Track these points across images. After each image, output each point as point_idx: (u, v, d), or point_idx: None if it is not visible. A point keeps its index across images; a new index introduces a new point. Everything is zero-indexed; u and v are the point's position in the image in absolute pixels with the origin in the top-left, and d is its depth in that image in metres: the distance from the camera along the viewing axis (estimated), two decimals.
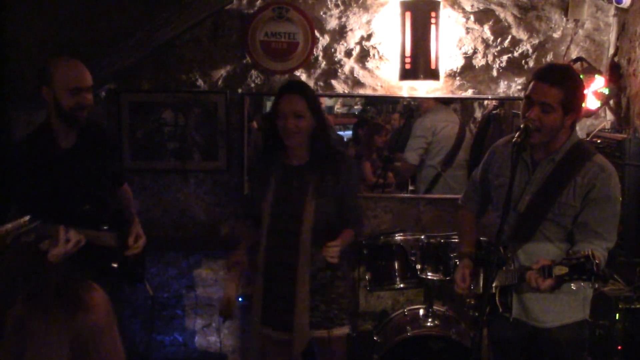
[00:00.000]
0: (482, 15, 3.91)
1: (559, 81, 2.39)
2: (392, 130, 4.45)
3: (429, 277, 3.47)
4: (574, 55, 3.86)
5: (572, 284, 2.31)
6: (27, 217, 2.44)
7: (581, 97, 2.52)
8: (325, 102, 4.51)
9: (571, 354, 2.59)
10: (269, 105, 4.37)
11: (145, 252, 3.10)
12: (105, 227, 2.84)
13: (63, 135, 2.80)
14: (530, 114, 2.40)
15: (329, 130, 3.03)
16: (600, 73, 3.73)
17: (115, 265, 2.84)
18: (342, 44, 3.94)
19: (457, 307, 3.97)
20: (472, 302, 2.70)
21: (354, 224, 2.90)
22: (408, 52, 3.76)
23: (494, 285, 2.53)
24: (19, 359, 1.30)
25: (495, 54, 3.94)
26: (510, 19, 3.91)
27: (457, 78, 3.97)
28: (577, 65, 3.71)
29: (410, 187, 4.35)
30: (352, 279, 2.99)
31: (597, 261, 2.14)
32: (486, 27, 3.92)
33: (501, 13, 3.91)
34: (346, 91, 3.99)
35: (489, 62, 3.95)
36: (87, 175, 2.84)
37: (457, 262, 2.80)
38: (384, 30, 3.90)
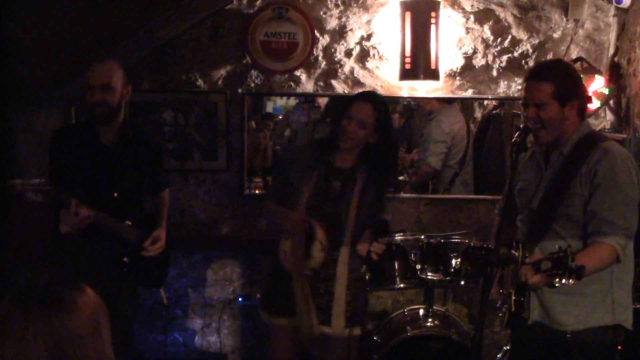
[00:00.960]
0: (482, 15, 3.91)
1: (546, 75, 2.37)
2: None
3: (429, 277, 3.46)
4: (574, 55, 3.86)
5: (561, 280, 2.09)
6: (41, 180, 2.60)
7: (576, 84, 2.44)
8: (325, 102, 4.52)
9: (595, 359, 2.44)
10: (269, 105, 4.39)
11: (168, 260, 3.16)
12: (128, 222, 2.91)
13: (105, 132, 2.89)
14: (528, 115, 2.39)
15: (393, 150, 3.05)
16: (600, 73, 3.73)
17: (126, 259, 2.89)
18: (342, 44, 3.94)
19: (456, 309, 3.99)
20: (499, 305, 2.60)
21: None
22: (408, 52, 3.76)
23: (510, 285, 2.47)
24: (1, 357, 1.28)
25: (495, 54, 3.94)
26: (510, 19, 3.92)
27: (457, 78, 3.97)
28: (577, 65, 3.71)
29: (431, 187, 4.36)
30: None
31: (572, 257, 2.02)
32: (486, 27, 3.92)
33: (501, 13, 3.91)
34: (346, 91, 3.98)
35: (489, 62, 3.95)
36: (123, 171, 2.92)
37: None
38: (384, 30, 3.90)
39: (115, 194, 2.89)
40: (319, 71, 3.97)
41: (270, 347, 3.16)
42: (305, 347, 2.96)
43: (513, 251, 2.48)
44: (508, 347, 3.14)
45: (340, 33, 3.93)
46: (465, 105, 4.30)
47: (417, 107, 4.40)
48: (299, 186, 2.85)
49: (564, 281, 2.03)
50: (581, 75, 3.57)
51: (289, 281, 2.85)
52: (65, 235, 2.75)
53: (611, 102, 3.87)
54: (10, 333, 1.28)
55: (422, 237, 3.55)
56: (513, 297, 2.45)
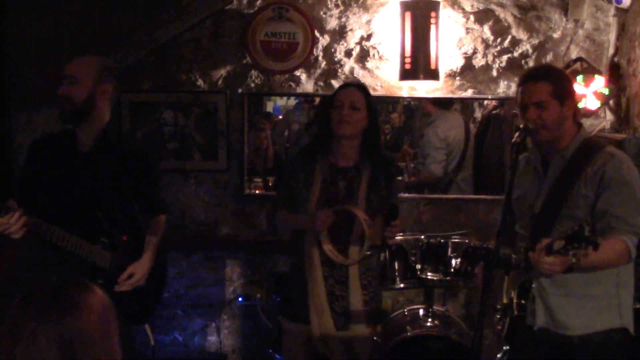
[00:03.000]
0: (482, 15, 3.91)
1: (543, 75, 2.40)
2: (392, 130, 4.45)
3: (429, 277, 3.47)
4: (574, 55, 3.86)
5: (577, 254, 2.01)
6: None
7: (570, 85, 2.48)
8: None
9: None
10: (269, 105, 4.38)
11: (158, 293, 2.92)
12: (103, 240, 2.65)
13: (82, 138, 2.66)
14: (529, 116, 2.38)
15: (380, 133, 3.03)
16: (600, 73, 3.73)
17: (100, 281, 2.59)
18: (342, 44, 3.94)
19: (455, 309, 3.99)
20: (498, 317, 2.58)
21: None
22: (408, 52, 3.76)
23: (512, 289, 2.46)
24: None
25: (495, 54, 3.94)
26: (510, 19, 3.92)
27: (457, 78, 3.97)
28: (577, 65, 3.71)
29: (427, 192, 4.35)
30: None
31: (588, 228, 1.98)
32: (486, 27, 3.92)
33: (501, 13, 3.91)
34: None
35: (489, 62, 3.95)
36: (100, 182, 2.67)
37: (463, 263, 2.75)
38: (384, 30, 3.90)
39: (97, 212, 2.63)
40: (319, 71, 3.97)
41: (284, 353, 3.10)
42: (323, 352, 2.88)
43: (514, 255, 2.48)
44: (508, 347, 3.13)
45: (340, 33, 3.93)
46: (465, 105, 4.30)
47: (417, 107, 4.39)
48: (305, 193, 2.82)
49: (579, 257, 1.98)
50: (581, 76, 3.60)
51: (305, 286, 2.82)
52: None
53: (611, 102, 3.87)
54: (22, 335, 1.28)
55: (422, 237, 3.57)
56: (515, 301, 2.45)
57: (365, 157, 2.84)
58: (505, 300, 2.57)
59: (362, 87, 2.89)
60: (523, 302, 2.45)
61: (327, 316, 2.79)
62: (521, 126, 2.40)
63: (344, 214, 2.75)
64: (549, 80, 2.37)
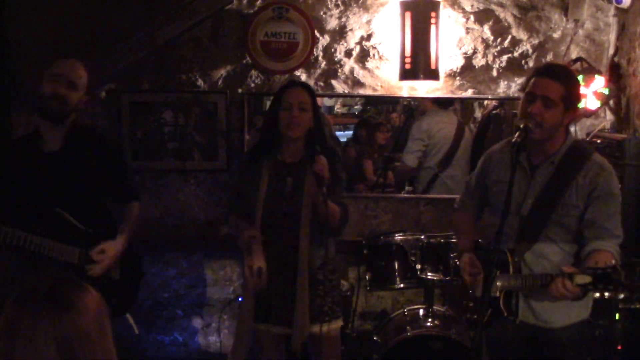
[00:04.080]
0: (482, 15, 3.91)
1: (561, 77, 2.42)
2: (393, 129, 4.45)
3: (429, 277, 3.47)
4: (574, 55, 3.86)
5: (614, 294, 2.24)
6: None
7: (579, 96, 2.54)
8: (325, 102, 4.52)
9: (574, 354, 2.58)
10: (269, 105, 4.38)
11: (134, 285, 2.96)
12: (70, 236, 2.69)
13: (50, 138, 2.71)
14: (533, 109, 2.39)
15: (325, 129, 3.04)
16: (600, 73, 3.73)
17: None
18: (342, 44, 3.94)
19: (457, 308, 3.98)
20: (471, 305, 2.66)
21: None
22: (408, 52, 3.76)
23: (498, 287, 2.49)
24: None
25: (495, 54, 3.95)
26: (510, 19, 3.92)
27: (457, 78, 3.97)
28: (577, 65, 3.71)
29: (409, 188, 4.35)
30: (342, 272, 3.00)
31: (623, 272, 2.15)
32: (486, 27, 3.92)
33: (501, 13, 3.91)
34: (346, 91, 3.99)
35: (489, 62, 3.95)
36: (68, 180, 2.71)
37: (457, 262, 2.77)
38: (384, 30, 3.90)
39: (57, 209, 2.67)
40: (319, 71, 3.97)
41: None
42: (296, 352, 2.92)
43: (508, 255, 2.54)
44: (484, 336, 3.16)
45: (340, 33, 3.93)
46: (465, 105, 4.30)
47: (417, 107, 4.40)
48: (253, 191, 2.83)
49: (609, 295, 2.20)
50: (581, 76, 3.59)
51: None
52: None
53: (611, 102, 3.87)
54: (19, 335, 1.29)
55: (422, 237, 3.57)
56: (502, 303, 2.51)
57: (310, 152, 2.81)
58: (481, 294, 2.59)
59: (307, 87, 2.89)
60: (512, 302, 2.53)
61: (268, 315, 2.84)
62: (521, 126, 2.40)
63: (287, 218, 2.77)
64: (565, 85, 2.41)
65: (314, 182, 2.73)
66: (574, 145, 2.52)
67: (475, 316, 2.63)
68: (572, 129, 2.69)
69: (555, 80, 2.40)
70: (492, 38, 3.93)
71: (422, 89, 3.98)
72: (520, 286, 2.48)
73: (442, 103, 4.20)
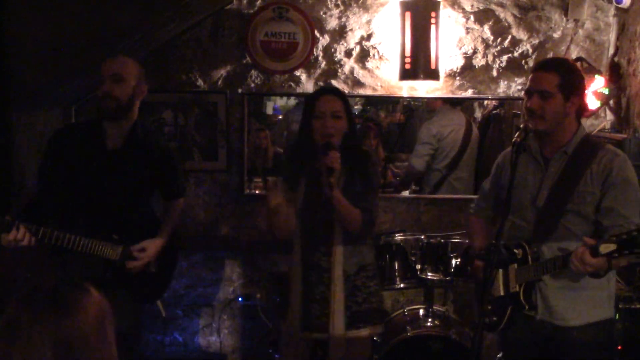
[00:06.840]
0: (482, 15, 3.91)
1: (553, 66, 2.43)
2: (388, 129, 4.44)
3: (429, 277, 3.47)
4: (574, 55, 3.86)
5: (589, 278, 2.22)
6: None
7: (580, 82, 2.49)
8: None
9: (596, 355, 2.46)
10: (269, 105, 4.38)
11: (168, 274, 3.02)
12: (115, 237, 2.75)
13: (112, 134, 2.76)
14: (531, 104, 2.41)
15: (357, 133, 3.03)
16: (600, 73, 3.73)
17: (108, 274, 2.73)
18: (342, 44, 3.94)
19: (458, 308, 3.98)
20: (490, 308, 2.59)
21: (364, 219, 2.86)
22: (408, 52, 3.76)
23: (516, 283, 2.48)
24: None
25: (495, 54, 3.95)
26: (510, 19, 3.92)
27: (457, 78, 3.97)
28: (577, 65, 3.71)
29: (414, 187, 4.34)
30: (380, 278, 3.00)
31: None
32: (486, 27, 3.92)
33: (501, 13, 3.91)
34: (346, 91, 3.97)
35: (489, 62, 3.95)
36: (124, 178, 2.76)
37: (460, 261, 2.75)
38: (384, 30, 3.90)
39: (112, 209, 2.73)
40: (319, 71, 3.97)
41: (281, 354, 3.10)
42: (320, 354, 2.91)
43: (515, 250, 2.50)
44: (502, 338, 3.13)
45: (340, 33, 3.93)
46: (465, 105, 4.29)
47: (417, 107, 4.39)
48: (294, 199, 2.82)
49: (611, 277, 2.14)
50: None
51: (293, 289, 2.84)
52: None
53: (611, 102, 3.88)
54: (18, 336, 1.28)
55: (422, 237, 3.57)
56: (522, 297, 2.47)
57: (343, 157, 2.77)
58: (502, 293, 2.58)
59: (340, 94, 2.85)
60: (531, 296, 2.48)
61: (298, 318, 2.81)
62: (521, 126, 2.41)
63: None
64: (559, 73, 2.40)
65: (346, 191, 2.72)
66: (586, 138, 2.50)
67: (495, 318, 2.57)
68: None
69: (549, 72, 2.40)
70: (492, 38, 3.93)
71: (422, 89, 3.99)
72: (541, 273, 2.43)
73: (451, 101, 4.19)
